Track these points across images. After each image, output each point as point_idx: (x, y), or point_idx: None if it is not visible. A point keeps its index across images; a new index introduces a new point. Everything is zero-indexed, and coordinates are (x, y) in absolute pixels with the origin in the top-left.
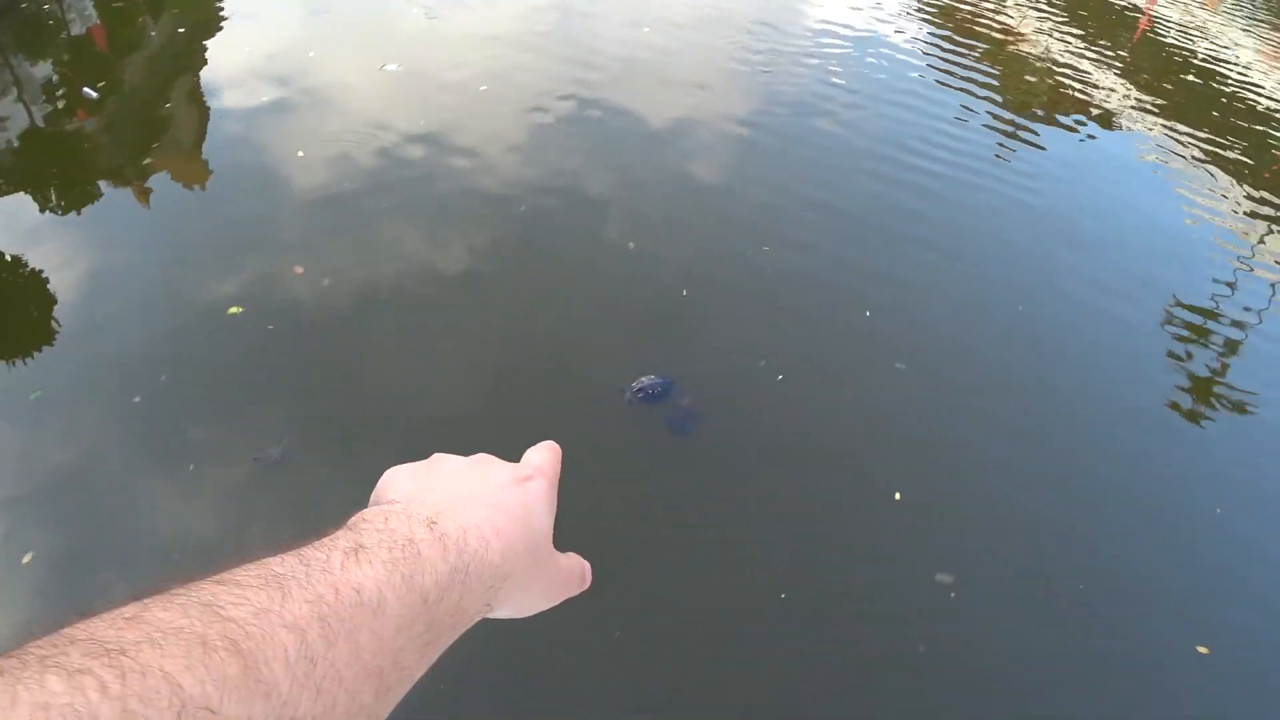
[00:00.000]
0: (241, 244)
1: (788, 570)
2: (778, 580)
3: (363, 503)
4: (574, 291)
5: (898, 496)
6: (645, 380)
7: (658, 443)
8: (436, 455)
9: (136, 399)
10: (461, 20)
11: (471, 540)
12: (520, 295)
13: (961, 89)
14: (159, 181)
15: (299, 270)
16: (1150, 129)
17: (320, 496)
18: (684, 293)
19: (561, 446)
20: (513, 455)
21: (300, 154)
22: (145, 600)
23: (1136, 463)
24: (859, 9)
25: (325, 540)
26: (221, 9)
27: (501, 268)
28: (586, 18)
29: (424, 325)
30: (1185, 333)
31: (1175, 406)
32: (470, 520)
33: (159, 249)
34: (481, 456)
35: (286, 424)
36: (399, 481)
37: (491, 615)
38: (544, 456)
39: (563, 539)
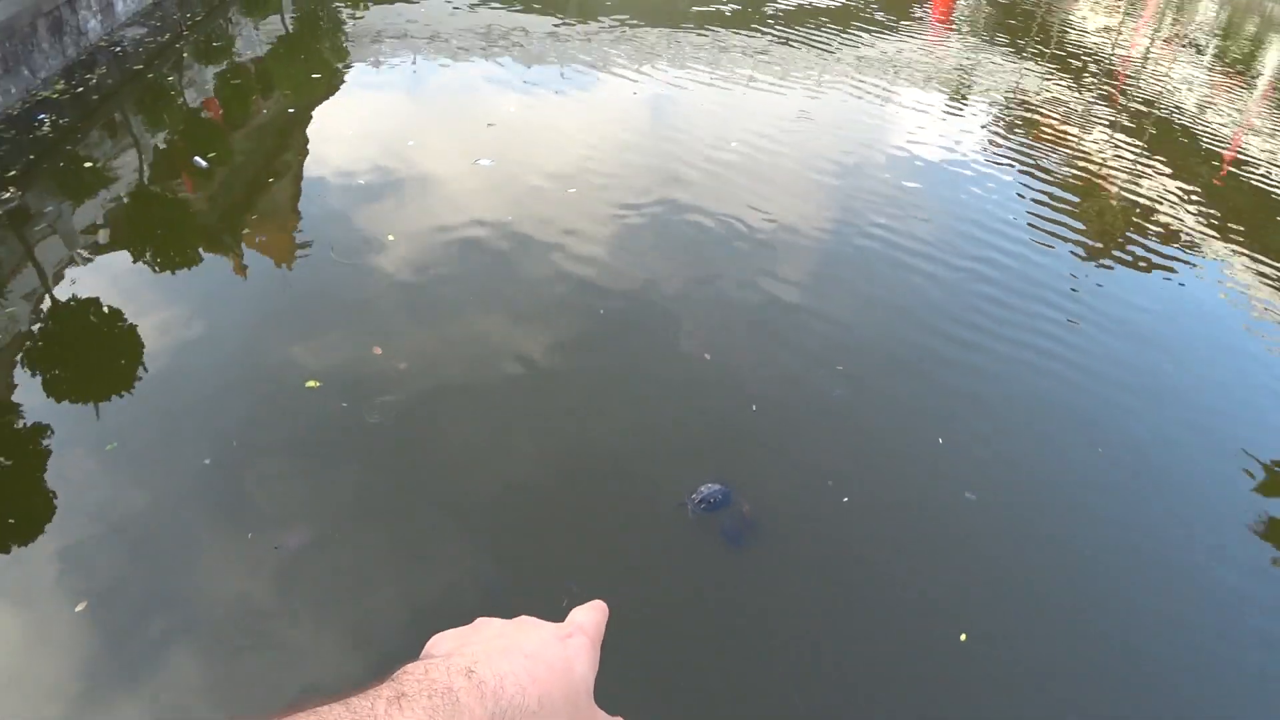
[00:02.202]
0: (325, 320)
1: (839, 707)
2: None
3: (411, 584)
4: (644, 396)
5: (963, 638)
6: (705, 489)
7: (712, 553)
8: (480, 619)
9: (207, 460)
10: (556, 124)
11: (509, 688)
12: (590, 396)
13: (1040, 218)
14: (253, 250)
15: (378, 351)
16: (1236, 269)
17: (372, 574)
18: (754, 408)
19: (616, 550)
20: (566, 558)
21: (390, 238)
22: None
23: (1216, 611)
24: (944, 139)
25: (370, 690)
26: (329, 95)
27: (574, 367)
28: (676, 130)
29: (492, 417)
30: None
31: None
32: (508, 669)
33: (246, 316)
34: (524, 618)
35: (349, 502)
36: (443, 642)
37: None
38: (589, 616)
39: (610, 649)
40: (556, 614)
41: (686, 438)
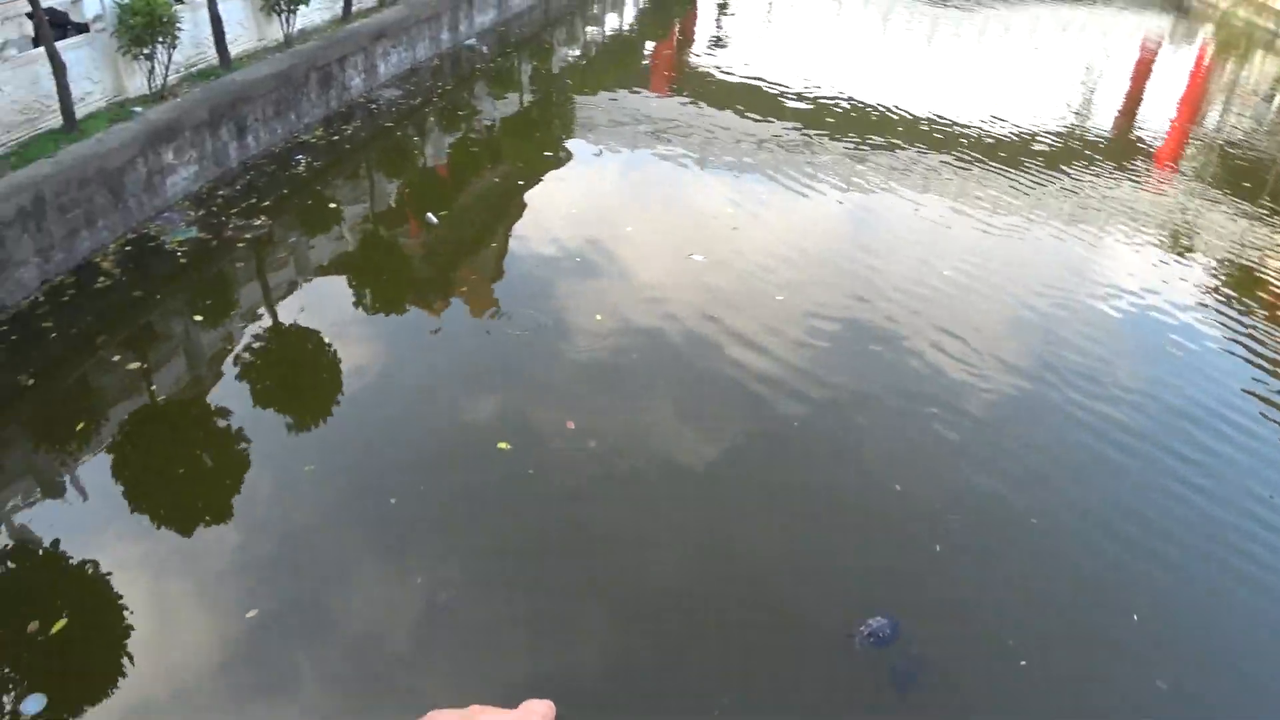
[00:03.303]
0: (525, 386)
1: None
2: None
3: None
4: (823, 517)
5: None
6: (874, 622)
7: (874, 693)
8: (432, 711)
9: (393, 500)
10: (770, 230)
11: None
12: (767, 508)
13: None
14: (462, 308)
15: (570, 425)
16: None
17: (511, 635)
18: (937, 548)
19: (772, 673)
20: (714, 672)
21: (598, 318)
22: None
23: None
24: (1157, 298)
25: None
26: (556, 172)
27: (756, 476)
28: (878, 251)
29: (665, 511)
30: None
31: None
32: None
33: (448, 367)
34: (476, 707)
35: (512, 562)
36: None
37: None
38: (542, 708)
39: None
40: None
41: (861, 568)
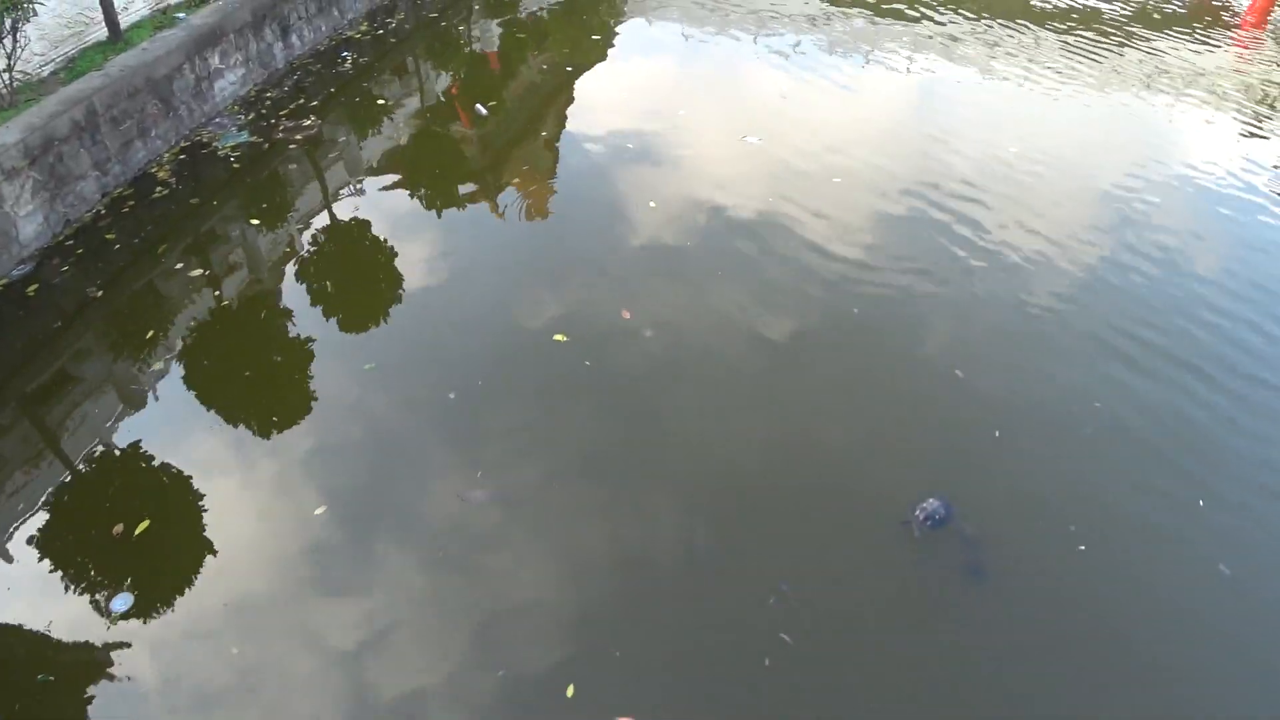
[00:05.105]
0: (579, 276)
1: None
2: None
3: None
4: (881, 403)
5: None
6: (929, 504)
7: (929, 576)
8: None
9: (452, 395)
10: (827, 108)
11: None
12: (827, 392)
13: None
14: (516, 199)
15: (626, 315)
16: None
17: (582, 523)
18: (997, 434)
19: (832, 555)
20: (780, 553)
21: (652, 204)
22: None
23: None
24: (1246, 173)
25: None
26: (605, 57)
27: (816, 360)
28: (945, 127)
29: (725, 398)
30: None
31: None
32: None
33: (502, 261)
34: None
35: (575, 454)
36: None
37: None
38: None
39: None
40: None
41: (920, 453)
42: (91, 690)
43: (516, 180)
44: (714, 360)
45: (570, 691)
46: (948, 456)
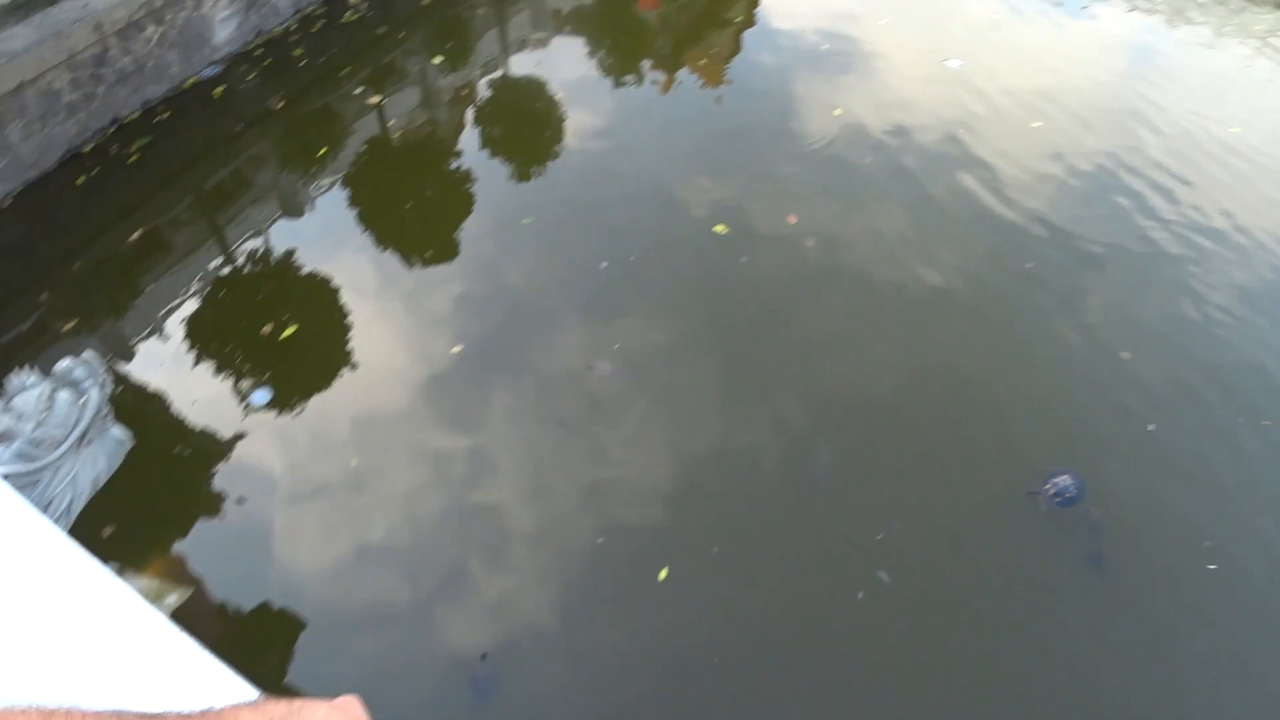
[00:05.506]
0: (750, 172)
1: None
2: None
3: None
4: (1033, 366)
5: None
6: (1060, 481)
7: (1051, 559)
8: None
9: (604, 264)
10: (1040, 47)
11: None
12: (975, 341)
13: None
14: (695, 79)
15: (792, 220)
16: None
17: (700, 409)
18: (1150, 428)
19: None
20: (894, 496)
21: (836, 112)
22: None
23: None
24: None
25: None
26: None
27: (973, 306)
28: (1158, 85)
29: (874, 321)
30: None
31: None
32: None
33: (674, 144)
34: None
35: (712, 346)
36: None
37: None
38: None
39: None
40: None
41: (1064, 428)
42: (220, 468)
43: (698, 64)
44: (868, 283)
45: (662, 575)
46: (1092, 439)
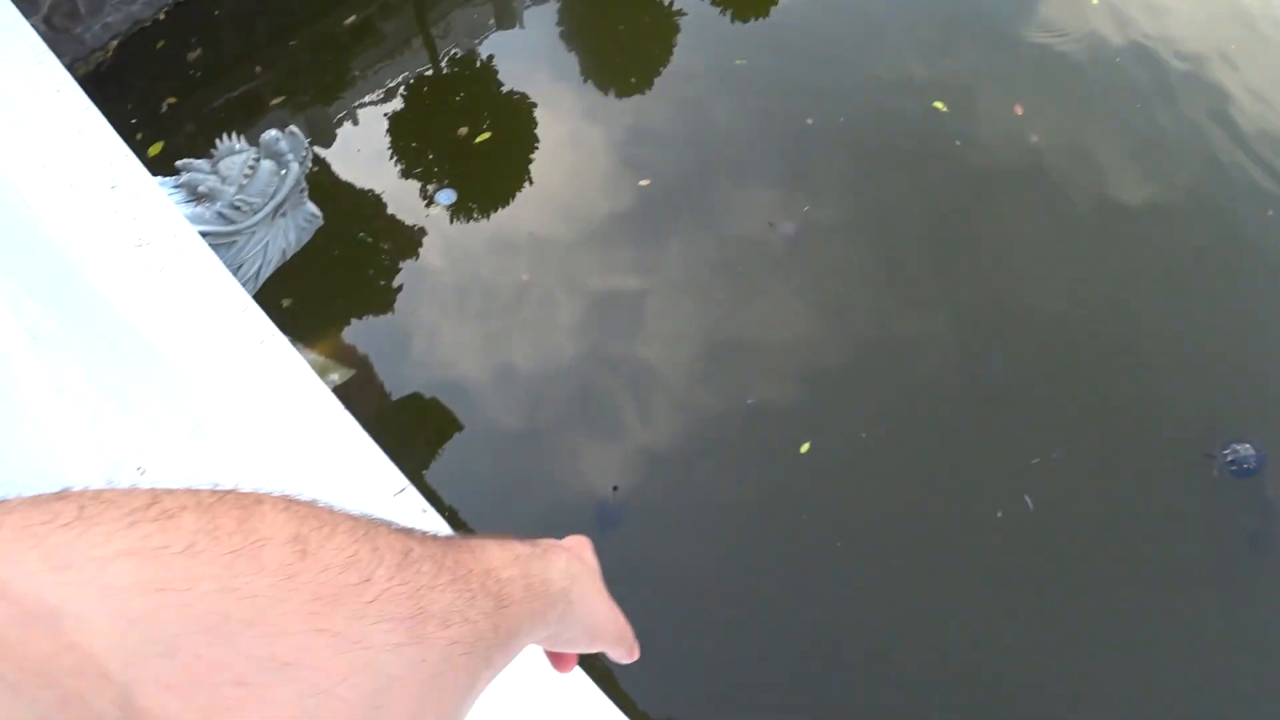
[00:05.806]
0: (981, 50)
1: None
2: None
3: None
4: (1232, 319)
5: None
6: (1241, 449)
7: (1217, 541)
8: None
9: (810, 121)
10: None
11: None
12: (1167, 281)
13: None
14: None
15: (1019, 110)
16: None
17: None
18: None
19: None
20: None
21: (1095, 1)
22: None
23: None
24: None
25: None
26: None
27: (1172, 244)
28: None
29: (1063, 240)
30: None
31: None
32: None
33: (907, 14)
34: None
35: (900, 227)
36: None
37: (548, 621)
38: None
39: None
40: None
41: (1256, 393)
42: (396, 260)
43: None
44: (1069, 194)
45: (805, 448)
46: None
